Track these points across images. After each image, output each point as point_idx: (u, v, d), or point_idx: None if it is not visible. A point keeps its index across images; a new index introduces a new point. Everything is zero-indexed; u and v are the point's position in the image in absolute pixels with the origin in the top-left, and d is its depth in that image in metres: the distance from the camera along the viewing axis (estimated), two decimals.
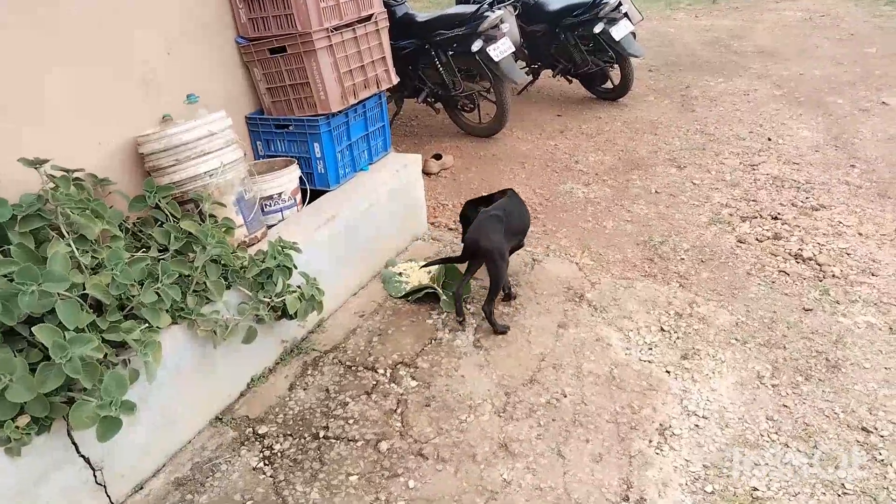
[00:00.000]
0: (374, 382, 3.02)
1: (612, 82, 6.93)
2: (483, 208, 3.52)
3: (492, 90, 5.82)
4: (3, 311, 1.95)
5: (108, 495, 2.36)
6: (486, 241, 3.25)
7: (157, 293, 2.38)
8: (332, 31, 3.45)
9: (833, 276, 3.59)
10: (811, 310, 3.33)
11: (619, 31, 6.18)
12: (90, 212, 2.41)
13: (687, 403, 2.78)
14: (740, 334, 3.18)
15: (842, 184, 4.67)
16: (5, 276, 2.04)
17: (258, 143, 3.81)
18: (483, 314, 3.30)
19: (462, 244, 3.45)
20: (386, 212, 3.90)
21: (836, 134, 5.62)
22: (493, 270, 3.27)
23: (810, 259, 3.75)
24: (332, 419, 2.81)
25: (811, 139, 5.55)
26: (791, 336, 3.15)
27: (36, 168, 2.39)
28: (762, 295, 3.48)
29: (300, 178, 3.54)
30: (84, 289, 2.18)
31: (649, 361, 3.04)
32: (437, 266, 3.65)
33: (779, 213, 4.30)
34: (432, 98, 6.12)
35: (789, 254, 3.83)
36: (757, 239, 4.04)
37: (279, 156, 3.73)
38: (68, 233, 2.33)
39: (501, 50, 5.51)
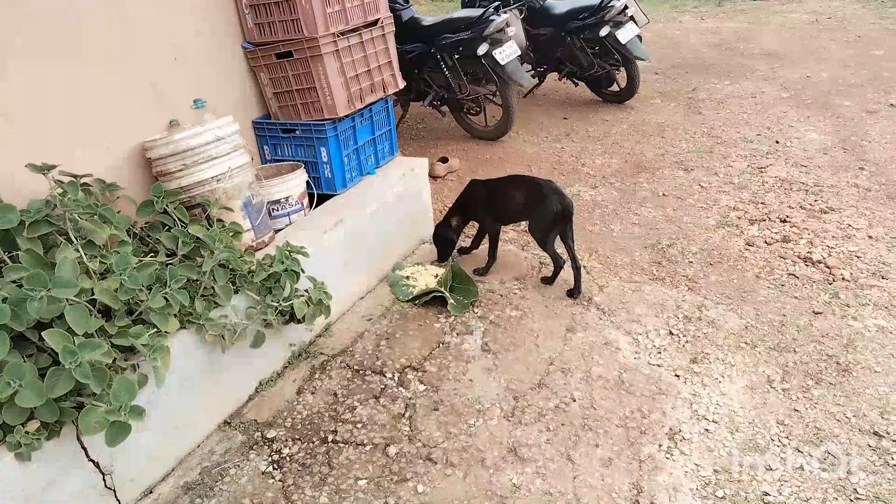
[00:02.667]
0: (382, 386, 3.01)
1: (619, 85, 6.92)
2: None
3: (498, 93, 5.82)
4: (12, 316, 1.95)
5: (117, 500, 2.36)
6: (570, 199, 3.52)
7: (165, 298, 2.38)
8: (338, 36, 3.45)
9: (843, 279, 3.56)
10: (821, 313, 3.30)
11: (624, 35, 6.19)
12: (98, 217, 2.42)
13: (697, 408, 2.76)
14: (750, 338, 3.16)
15: (851, 186, 4.65)
16: (14, 281, 2.05)
17: (265, 147, 3.81)
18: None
19: (546, 209, 3.50)
20: (393, 215, 3.89)
21: (844, 136, 5.60)
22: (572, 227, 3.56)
23: (820, 262, 3.73)
24: (341, 423, 2.80)
25: (819, 142, 5.53)
26: (801, 339, 3.13)
27: (44, 174, 2.41)
28: (771, 298, 3.46)
29: (307, 182, 3.54)
30: (92, 294, 2.18)
31: (658, 365, 3.02)
32: (443, 270, 3.64)
33: (787, 216, 4.28)
34: (438, 101, 6.13)
35: (798, 257, 3.81)
36: (766, 242, 4.02)
37: (286, 160, 3.74)
38: (76, 238, 2.34)
39: (507, 53, 5.52)
